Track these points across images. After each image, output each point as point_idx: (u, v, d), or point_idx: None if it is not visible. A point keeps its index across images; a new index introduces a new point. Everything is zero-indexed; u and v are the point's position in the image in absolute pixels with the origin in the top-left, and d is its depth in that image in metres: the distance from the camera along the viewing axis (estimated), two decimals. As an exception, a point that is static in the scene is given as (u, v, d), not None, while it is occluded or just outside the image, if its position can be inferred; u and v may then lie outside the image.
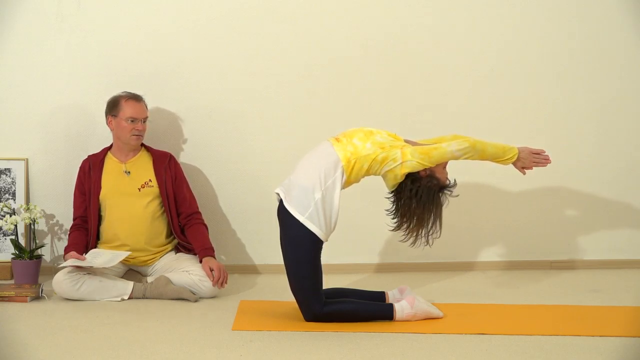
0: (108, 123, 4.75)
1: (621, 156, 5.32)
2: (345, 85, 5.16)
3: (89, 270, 4.48)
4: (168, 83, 5.09)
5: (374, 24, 5.15)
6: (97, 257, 4.51)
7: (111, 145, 4.81)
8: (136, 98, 4.72)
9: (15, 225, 4.81)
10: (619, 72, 5.28)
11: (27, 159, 5.07)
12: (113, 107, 4.72)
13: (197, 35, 5.09)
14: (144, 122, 4.73)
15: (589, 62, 5.26)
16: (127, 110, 4.68)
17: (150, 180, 4.73)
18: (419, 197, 3.98)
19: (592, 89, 5.28)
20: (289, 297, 4.13)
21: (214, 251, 4.66)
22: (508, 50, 5.22)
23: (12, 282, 4.84)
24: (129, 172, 4.74)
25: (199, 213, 4.80)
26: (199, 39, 5.09)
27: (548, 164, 4.14)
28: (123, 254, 4.53)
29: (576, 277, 5.08)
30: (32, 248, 4.82)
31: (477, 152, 3.97)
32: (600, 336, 3.83)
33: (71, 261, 4.44)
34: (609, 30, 5.23)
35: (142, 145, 4.84)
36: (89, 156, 4.83)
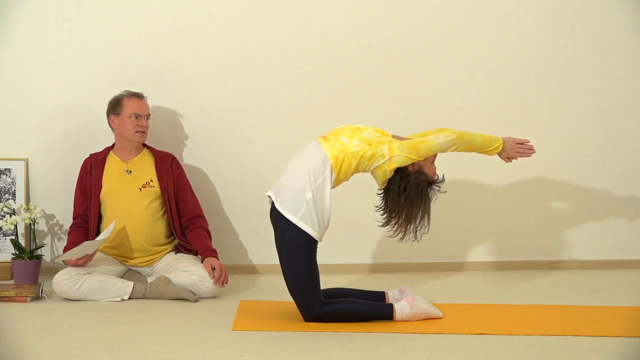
0: (111, 123, 4.75)
1: (621, 156, 5.32)
2: (346, 85, 5.16)
3: (89, 270, 4.48)
4: (168, 83, 5.09)
5: (374, 24, 5.15)
6: (87, 247, 4.48)
7: (113, 145, 4.81)
8: (138, 95, 4.75)
9: (15, 225, 4.81)
10: (619, 72, 5.27)
11: (27, 159, 5.06)
12: (115, 106, 4.72)
13: (197, 35, 5.09)
14: (147, 119, 4.74)
15: (589, 62, 5.26)
16: (131, 107, 4.69)
17: (151, 181, 4.72)
18: (407, 193, 3.98)
19: (592, 89, 5.27)
20: (289, 297, 4.12)
21: (216, 253, 4.66)
22: (508, 50, 5.22)
23: (12, 282, 4.84)
24: (130, 172, 4.73)
25: (203, 217, 4.79)
26: (199, 39, 5.09)
27: (532, 154, 4.14)
28: (109, 229, 4.50)
29: (576, 277, 5.07)
30: (32, 248, 4.82)
31: (464, 144, 3.98)
32: (600, 336, 3.83)
33: (68, 254, 4.42)
34: (609, 30, 5.23)
35: (145, 145, 4.84)
36: (91, 155, 4.82)
